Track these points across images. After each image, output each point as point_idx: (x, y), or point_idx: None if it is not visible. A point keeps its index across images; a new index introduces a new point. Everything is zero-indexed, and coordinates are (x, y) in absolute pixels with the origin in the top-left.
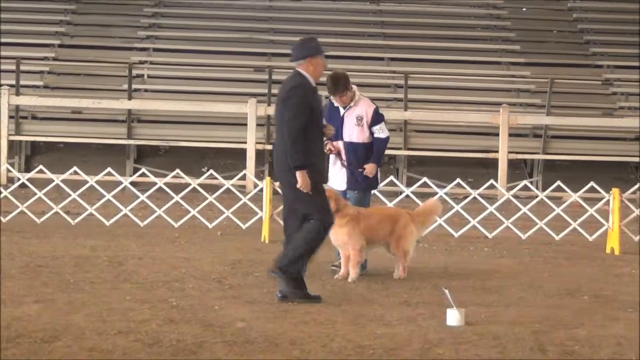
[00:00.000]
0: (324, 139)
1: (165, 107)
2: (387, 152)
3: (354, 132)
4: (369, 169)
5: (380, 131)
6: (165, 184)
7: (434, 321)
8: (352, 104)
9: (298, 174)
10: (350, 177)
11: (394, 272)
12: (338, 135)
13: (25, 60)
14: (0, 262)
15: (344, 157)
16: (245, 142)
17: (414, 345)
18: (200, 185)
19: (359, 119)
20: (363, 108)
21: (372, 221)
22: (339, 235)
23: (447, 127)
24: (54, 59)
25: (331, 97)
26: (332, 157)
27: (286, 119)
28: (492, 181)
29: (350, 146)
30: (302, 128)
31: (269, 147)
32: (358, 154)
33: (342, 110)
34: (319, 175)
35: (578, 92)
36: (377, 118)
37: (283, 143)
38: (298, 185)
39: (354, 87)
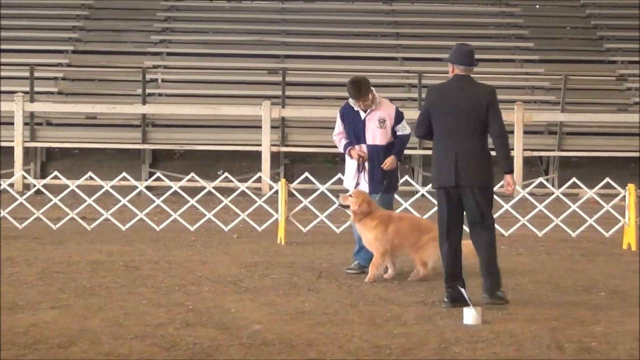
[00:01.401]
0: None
1: (180, 111)
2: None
3: (377, 134)
4: (390, 162)
5: (403, 128)
6: (180, 187)
7: (451, 320)
8: (373, 107)
9: (509, 177)
10: (371, 180)
11: (411, 273)
12: (361, 139)
13: (39, 67)
14: (1, 268)
15: (366, 163)
16: (260, 145)
17: (431, 345)
18: (215, 188)
19: (382, 121)
20: (385, 110)
21: (402, 226)
22: (367, 237)
23: None
24: (68, 65)
25: (351, 102)
26: (350, 160)
27: (500, 123)
28: None
29: (374, 149)
30: None
31: (284, 149)
32: (381, 156)
33: (362, 114)
34: None
35: (592, 88)
36: (399, 117)
37: (476, 147)
38: (508, 189)
39: (374, 90)
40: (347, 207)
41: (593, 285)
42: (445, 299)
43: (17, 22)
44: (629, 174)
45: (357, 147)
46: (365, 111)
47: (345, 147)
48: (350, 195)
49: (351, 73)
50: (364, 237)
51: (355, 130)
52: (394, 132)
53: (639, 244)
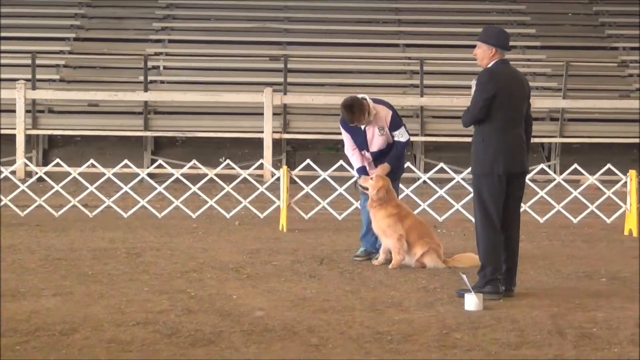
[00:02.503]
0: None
1: (182, 98)
2: None
3: (379, 141)
4: (381, 170)
5: (400, 135)
6: (182, 174)
7: (452, 306)
8: (370, 119)
9: None
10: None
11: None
12: (364, 148)
13: (40, 55)
14: (1, 256)
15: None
16: (262, 132)
17: (432, 331)
18: (217, 175)
19: (381, 129)
20: (382, 119)
21: (411, 223)
22: (380, 222)
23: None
24: (70, 53)
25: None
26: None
27: (529, 109)
28: None
29: (379, 153)
30: None
31: (286, 136)
32: (383, 153)
33: (363, 126)
34: None
35: (594, 74)
36: (396, 122)
37: (523, 133)
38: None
39: (368, 100)
40: (366, 189)
41: (594, 271)
42: (499, 290)
43: (19, 9)
44: (630, 160)
45: (365, 161)
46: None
47: (359, 171)
48: (371, 178)
49: (353, 60)
50: (376, 224)
51: (357, 142)
52: (392, 135)
53: None
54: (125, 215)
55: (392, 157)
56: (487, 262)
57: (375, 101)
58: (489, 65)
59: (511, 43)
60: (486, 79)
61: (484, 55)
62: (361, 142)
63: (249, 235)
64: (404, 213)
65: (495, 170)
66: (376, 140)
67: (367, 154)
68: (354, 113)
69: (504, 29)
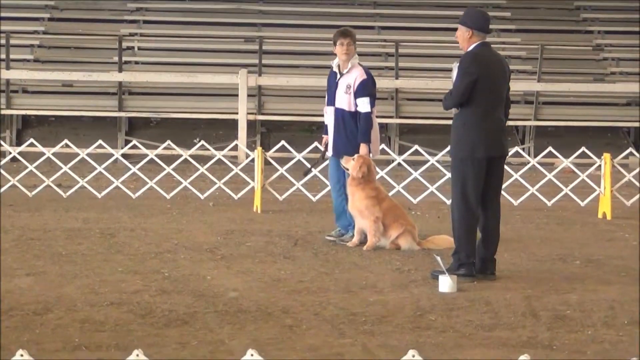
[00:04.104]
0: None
1: (156, 79)
2: (378, 120)
3: (343, 99)
4: (361, 150)
5: (362, 105)
6: (156, 155)
7: (426, 288)
8: (347, 69)
9: None
10: (334, 144)
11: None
12: (331, 100)
13: (14, 34)
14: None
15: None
16: (237, 113)
17: (406, 312)
18: (191, 156)
19: (348, 87)
20: (353, 77)
21: (388, 205)
22: (358, 203)
23: (439, 95)
24: (44, 33)
25: (334, 63)
26: (330, 125)
27: (508, 92)
28: None
29: (339, 112)
30: None
31: (261, 117)
32: (345, 121)
33: (338, 76)
34: None
35: (569, 58)
36: (360, 90)
37: (502, 117)
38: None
39: (357, 55)
40: (347, 169)
41: (568, 254)
42: (473, 273)
43: None
44: (604, 144)
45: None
46: (341, 73)
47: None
48: (353, 159)
49: (327, 42)
50: (353, 204)
51: (329, 92)
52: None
53: (614, 213)
54: (99, 196)
55: (361, 134)
56: (461, 245)
57: (362, 65)
58: (471, 49)
59: None
60: (468, 63)
61: (462, 38)
62: (331, 94)
63: (223, 216)
64: (382, 195)
65: (476, 153)
66: (339, 96)
67: (331, 109)
68: (348, 33)
69: (484, 11)
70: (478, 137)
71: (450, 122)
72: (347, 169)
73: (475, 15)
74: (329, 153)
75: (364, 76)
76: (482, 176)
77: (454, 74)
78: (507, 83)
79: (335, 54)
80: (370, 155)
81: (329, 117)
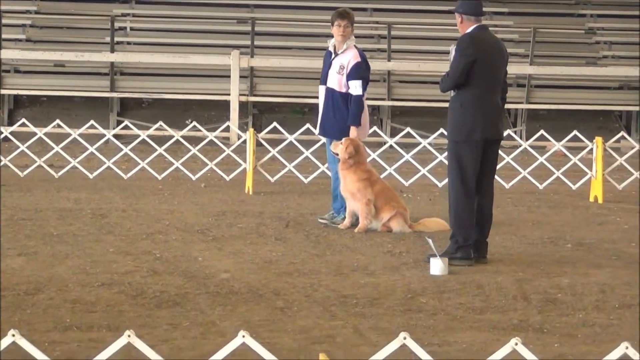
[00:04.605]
0: None
1: (148, 59)
2: (370, 102)
3: (335, 79)
4: (351, 133)
5: (354, 88)
6: (148, 136)
7: (418, 270)
8: (342, 50)
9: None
10: (322, 123)
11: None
12: (324, 79)
13: (6, 14)
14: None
15: (322, 103)
16: (229, 94)
17: (398, 295)
18: (183, 137)
19: (342, 68)
20: (347, 58)
21: (380, 188)
22: (350, 186)
23: (431, 77)
24: (36, 13)
25: (330, 43)
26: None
27: (505, 76)
28: None
29: (330, 92)
30: None
31: (253, 98)
32: (334, 101)
33: (332, 56)
34: None
35: (561, 41)
36: (354, 72)
37: (499, 100)
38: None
39: (353, 37)
40: (337, 154)
41: (559, 238)
42: (470, 256)
43: None
44: (596, 127)
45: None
46: (336, 53)
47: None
48: (341, 143)
49: (320, 23)
50: (345, 187)
51: (323, 71)
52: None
53: (605, 197)
54: (90, 176)
55: (351, 117)
56: (458, 229)
57: (357, 47)
58: (468, 31)
59: None
60: (466, 44)
61: (458, 25)
62: (324, 74)
63: (215, 197)
64: (374, 178)
65: (474, 136)
66: (332, 75)
67: (322, 88)
68: (347, 13)
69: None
70: (475, 119)
71: (442, 104)
72: (337, 154)
73: (463, 1)
74: (317, 131)
75: (358, 59)
76: (479, 159)
77: (452, 56)
78: (504, 66)
79: (333, 35)
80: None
81: (321, 96)
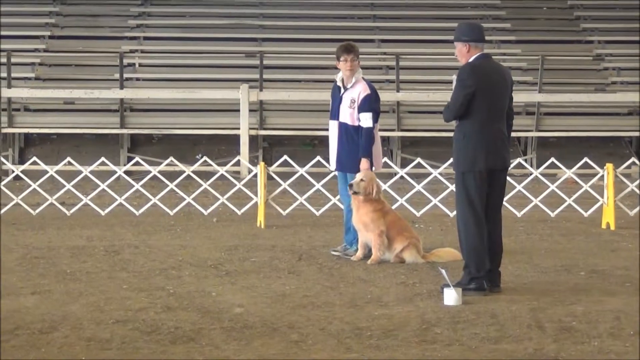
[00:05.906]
0: None
1: (157, 95)
2: (381, 134)
3: (347, 114)
4: (362, 165)
5: (365, 120)
6: (159, 172)
7: (432, 301)
8: (351, 84)
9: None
10: (338, 159)
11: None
12: (335, 115)
13: (16, 53)
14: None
15: (333, 138)
16: (238, 128)
17: (412, 326)
18: (194, 172)
19: (352, 102)
20: (357, 91)
21: (392, 218)
22: (364, 217)
23: (440, 107)
24: (45, 51)
25: (338, 78)
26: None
27: (511, 102)
28: None
29: (343, 127)
30: None
31: (262, 132)
32: (348, 135)
33: (342, 91)
34: None
35: (570, 68)
36: (364, 105)
37: (503, 128)
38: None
39: (360, 69)
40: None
41: (573, 265)
42: (484, 287)
43: None
44: (606, 154)
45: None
46: (345, 87)
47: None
48: (362, 180)
49: (327, 56)
50: (358, 218)
51: (333, 106)
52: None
53: (617, 224)
54: (102, 213)
55: (362, 149)
56: (471, 259)
57: (365, 80)
58: (470, 60)
59: (486, 38)
60: (466, 75)
61: (461, 54)
62: (335, 108)
63: (227, 232)
64: (386, 209)
65: (477, 166)
66: (343, 110)
67: (335, 124)
68: (352, 49)
69: (476, 22)
70: (478, 149)
71: (451, 134)
72: (357, 192)
73: (467, 28)
74: (332, 167)
75: (368, 91)
76: (484, 188)
77: (454, 86)
78: (508, 94)
79: (339, 68)
80: (373, 169)
81: (332, 131)
